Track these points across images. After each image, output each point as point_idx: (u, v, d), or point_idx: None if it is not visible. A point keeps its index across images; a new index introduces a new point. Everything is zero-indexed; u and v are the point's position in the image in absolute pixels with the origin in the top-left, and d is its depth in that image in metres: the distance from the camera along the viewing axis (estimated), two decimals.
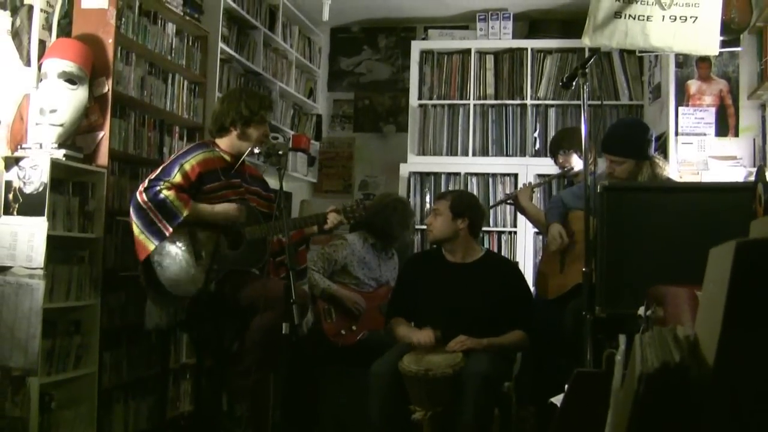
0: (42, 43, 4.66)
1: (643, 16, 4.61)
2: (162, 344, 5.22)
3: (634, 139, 4.60)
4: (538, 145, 7.22)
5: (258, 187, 4.89)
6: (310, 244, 5.24)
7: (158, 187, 4.33)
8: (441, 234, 4.81)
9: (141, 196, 4.33)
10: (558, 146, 5.72)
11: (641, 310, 2.48)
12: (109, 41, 4.78)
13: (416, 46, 7.66)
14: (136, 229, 4.36)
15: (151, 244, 4.32)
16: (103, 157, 4.75)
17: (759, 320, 1.05)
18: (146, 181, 4.40)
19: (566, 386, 2.18)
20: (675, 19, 4.61)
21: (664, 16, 4.61)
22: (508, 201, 6.00)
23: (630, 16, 4.61)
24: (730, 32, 5.28)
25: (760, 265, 1.05)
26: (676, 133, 5.64)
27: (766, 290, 1.04)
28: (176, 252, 4.43)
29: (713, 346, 1.06)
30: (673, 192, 3.89)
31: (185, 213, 4.33)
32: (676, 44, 4.70)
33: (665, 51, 5.05)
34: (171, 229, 4.30)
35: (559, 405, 2.44)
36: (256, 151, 4.67)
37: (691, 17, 4.60)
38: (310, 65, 8.22)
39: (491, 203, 6.86)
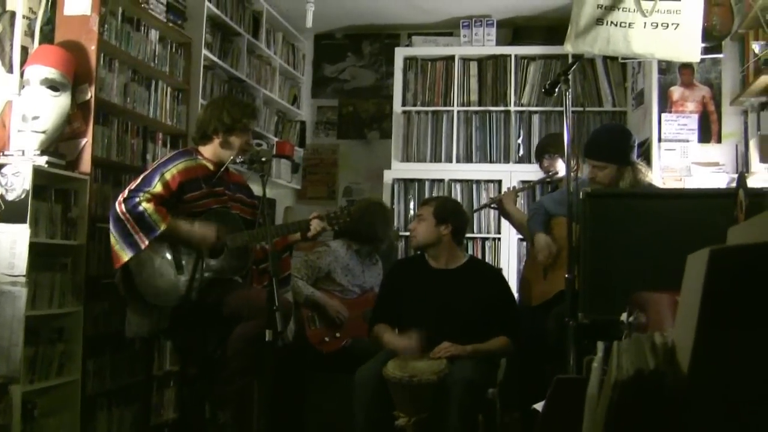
0: (24, 50, 4.64)
1: (625, 23, 4.64)
2: (146, 352, 5.20)
3: (616, 144, 4.62)
4: (521, 152, 7.23)
5: (242, 194, 4.87)
6: (293, 251, 5.22)
7: (138, 199, 4.28)
8: (424, 240, 4.81)
9: (120, 207, 4.28)
10: (543, 150, 5.74)
11: (624, 316, 2.48)
12: (92, 48, 4.76)
13: (400, 53, 7.66)
14: (112, 239, 4.31)
15: (125, 255, 4.28)
16: (86, 164, 4.73)
17: (732, 327, 1.05)
18: (126, 191, 4.34)
19: (547, 393, 2.18)
20: (657, 26, 4.63)
21: (645, 23, 4.63)
22: (493, 205, 6.01)
23: (612, 22, 4.64)
24: (712, 39, 5.32)
25: (734, 271, 1.05)
26: (659, 140, 5.67)
27: (740, 297, 1.05)
28: (157, 262, 4.40)
29: (688, 353, 1.07)
30: (656, 198, 3.90)
31: (163, 227, 4.29)
32: (657, 51, 4.73)
33: (647, 58, 5.07)
34: (147, 243, 4.26)
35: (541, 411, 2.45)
36: (239, 159, 4.65)
37: (672, 24, 4.63)
38: (294, 72, 8.23)
39: (475, 208, 6.89)
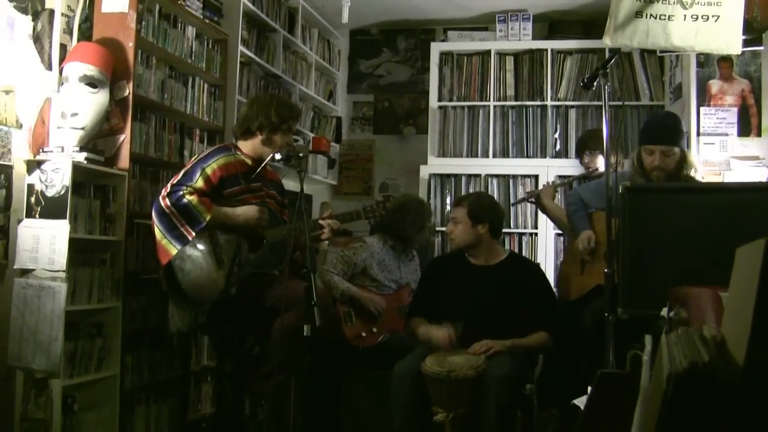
0: (63, 47, 4.69)
1: (665, 15, 4.59)
2: (183, 347, 5.23)
3: (680, 127, 4.58)
4: (558, 146, 7.19)
5: (275, 190, 4.89)
6: (329, 247, 5.22)
7: (181, 192, 4.32)
8: (463, 242, 4.78)
9: (164, 201, 4.32)
10: (585, 146, 5.71)
11: (665, 311, 2.46)
12: (130, 45, 4.79)
13: (435, 48, 7.65)
14: (158, 234, 4.35)
15: (173, 249, 4.30)
16: (124, 160, 4.77)
17: None
18: (168, 185, 4.39)
19: (590, 387, 2.16)
20: (697, 18, 4.58)
21: (685, 16, 4.58)
22: (530, 199, 5.98)
23: (651, 15, 4.59)
24: (753, 31, 5.25)
25: None
26: (698, 134, 5.60)
27: None
28: (198, 256, 4.42)
29: (743, 346, 1.05)
30: (695, 192, 3.85)
31: (208, 218, 4.32)
32: (697, 44, 4.67)
33: (687, 51, 5.02)
34: (194, 234, 4.29)
35: (581, 406, 2.43)
36: (278, 157, 4.64)
37: (713, 16, 4.58)
38: (329, 67, 8.24)
39: (512, 201, 6.88)
